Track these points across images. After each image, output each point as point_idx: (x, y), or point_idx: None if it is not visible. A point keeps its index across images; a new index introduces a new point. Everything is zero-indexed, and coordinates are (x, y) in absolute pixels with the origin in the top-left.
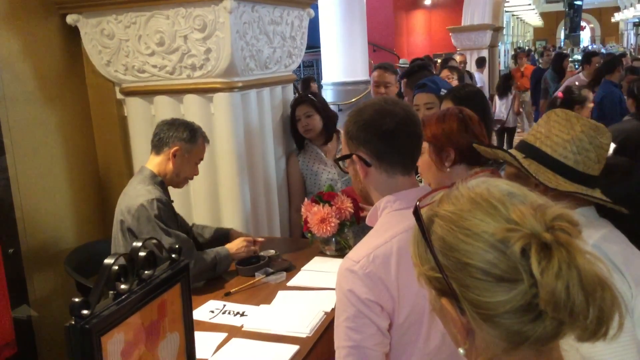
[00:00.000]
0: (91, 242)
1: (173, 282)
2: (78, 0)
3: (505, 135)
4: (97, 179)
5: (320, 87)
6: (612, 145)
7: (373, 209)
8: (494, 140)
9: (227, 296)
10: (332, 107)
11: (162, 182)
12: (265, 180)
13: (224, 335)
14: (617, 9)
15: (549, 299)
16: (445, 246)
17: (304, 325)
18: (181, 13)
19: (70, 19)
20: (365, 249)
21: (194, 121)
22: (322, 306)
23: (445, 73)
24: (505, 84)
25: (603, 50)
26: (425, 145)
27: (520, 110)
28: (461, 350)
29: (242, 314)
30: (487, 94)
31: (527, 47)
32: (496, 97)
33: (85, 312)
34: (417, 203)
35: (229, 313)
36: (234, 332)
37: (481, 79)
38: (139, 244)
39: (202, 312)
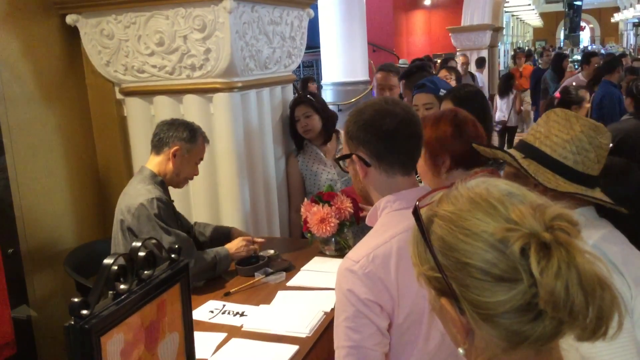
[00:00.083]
0: (91, 242)
1: (173, 282)
2: (78, 0)
3: (507, 135)
4: (97, 179)
5: (320, 87)
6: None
7: (373, 209)
8: (495, 140)
9: (227, 296)
10: (331, 107)
11: (162, 182)
12: (265, 180)
13: (223, 335)
14: (617, 9)
15: (549, 298)
16: (445, 246)
17: (304, 325)
18: (181, 13)
19: (69, 19)
20: (364, 249)
21: (193, 121)
22: (322, 306)
23: (443, 73)
24: (506, 84)
25: (602, 51)
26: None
27: (522, 109)
28: (461, 350)
29: (242, 314)
30: (487, 94)
31: (527, 48)
32: (497, 97)
33: (84, 312)
34: (417, 203)
35: (229, 313)
36: (234, 332)
37: (481, 79)
38: (139, 244)
39: (202, 312)
